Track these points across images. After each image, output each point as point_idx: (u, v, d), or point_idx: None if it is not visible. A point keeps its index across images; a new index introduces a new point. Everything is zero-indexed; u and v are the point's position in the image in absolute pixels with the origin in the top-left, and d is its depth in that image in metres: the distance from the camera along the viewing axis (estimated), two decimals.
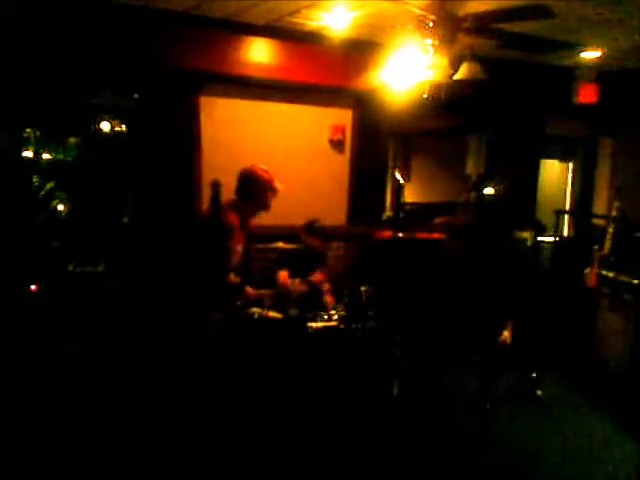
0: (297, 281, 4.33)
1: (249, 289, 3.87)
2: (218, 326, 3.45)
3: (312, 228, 4.58)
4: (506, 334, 4.17)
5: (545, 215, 6.34)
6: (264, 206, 3.71)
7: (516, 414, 4.14)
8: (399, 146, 6.38)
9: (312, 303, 4.28)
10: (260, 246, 4.80)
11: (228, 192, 3.66)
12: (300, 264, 4.48)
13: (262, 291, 3.98)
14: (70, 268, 4.42)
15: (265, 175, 3.65)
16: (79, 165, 4.76)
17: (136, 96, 4.68)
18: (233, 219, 3.50)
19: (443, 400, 4.32)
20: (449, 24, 3.52)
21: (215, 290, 3.45)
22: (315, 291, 4.42)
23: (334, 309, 4.26)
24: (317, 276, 4.49)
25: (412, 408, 4.03)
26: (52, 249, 4.42)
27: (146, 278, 4.45)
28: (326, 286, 4.55)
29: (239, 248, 3.62)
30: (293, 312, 4.10)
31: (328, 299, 4.47)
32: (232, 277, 3.66)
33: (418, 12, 3.50)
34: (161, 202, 4.69)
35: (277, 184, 3.69)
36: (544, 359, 4.77)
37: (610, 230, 5.09)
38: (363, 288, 4.42)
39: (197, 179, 4.79)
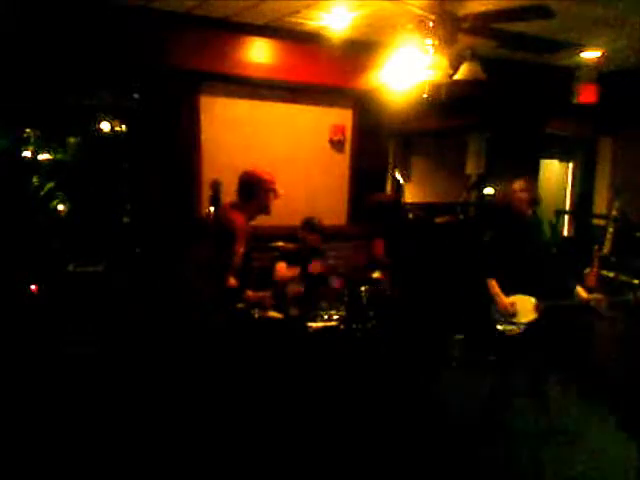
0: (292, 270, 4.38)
1: (249, 292, 3.85)
2: (220, 326, 3.44)
3: (310, 225, 4.60)
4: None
5: (545, 215, 6.34)
6: (265, 208, 3.68)
7: (519, 410, 4.12)
8: (399, 146, 6.38)
9: (312, 297, 4.28)
10: (260, 246, 4.81)
11: (228, 192, 3.66)
12: (300, 261, 4.49)
13: (261, 293, 3.96)
14: (70, 268, 4.42)
15: (267, 177, 3.64)
16: (79, 165, 4.77)
17: (136, 96, 4.68)
18: (239, 221, 3.49)
19: (444, 397, 4.32)
20: (449, 24, 3.51)
21: (216, 292, 3.44)
22: (312, 282, 4.43)
23: (334, 309, 4.27)
24: (315, 267, 4.50)
25: (412, 407, 4.03)
26: (52, 249, 4.42)
27: (146, 278, 4.45)
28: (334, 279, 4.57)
29: (240, 250, 3.61)
30: (293, 312, 4.10)
31: (337, 282, 4.49)
32: (232, 281, 3.66)
33: (418, 12, 3.49)
34: (161, 202, 4.69)
35: (278, 188, 3.68)
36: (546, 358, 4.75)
37: (610, 230, 5.08)
38: (363, 288, 4.43)
39: (197, 179, 4.79)
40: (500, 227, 4.10)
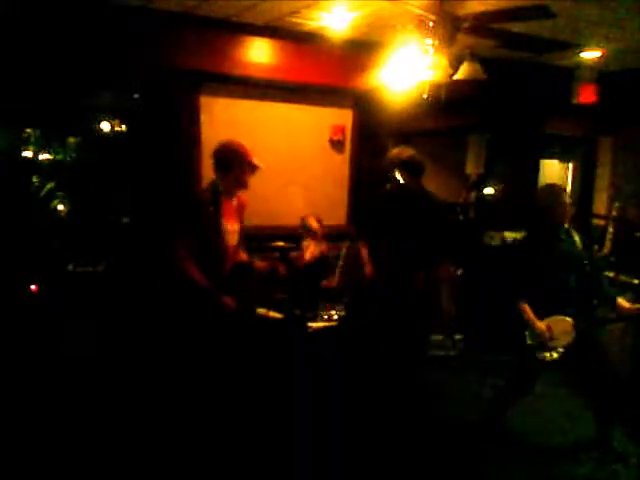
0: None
1: (259, 263, 3.80)
2: (223, 311, 3.40)
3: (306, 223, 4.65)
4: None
5: None
6: (241, 182, 3.52)
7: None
8: (399, 146, 6.38)
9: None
10: (260, 246, 4.81)
11: None
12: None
13: (272, 262, 3.89)
14: (70, 268, 4.42)
15: (241, 149, 3.48)
16: (79, 165, 4.77)
17: (136, 96, 4.68)
18: (206, 198, 3.43)
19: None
20: (449, 24, 3.52)
21: (216, 271, 3.41)
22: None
23: (334, 309, 4.27)
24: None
25: (411, 407, 4.03)
26: (52, 249, 4.42)
27: (146, 278, 4.45)
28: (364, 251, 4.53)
29: (235, 227, 3.57)
30: (294, 312, 4.09)
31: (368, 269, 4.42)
32: (242, 255, 3.65)
33: (418, 12, 3.49)
34: (161, 202, 4.69)
35: (256, 160, 3.52)
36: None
37: (610, 230, 5.09)
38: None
39: (197, 179, 4.79)
40: (539, 243, 3.61)
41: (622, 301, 3.57)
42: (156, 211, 4.66)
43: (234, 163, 3.47)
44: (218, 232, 3.42)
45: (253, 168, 3.51)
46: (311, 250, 4.38)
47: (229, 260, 3.50)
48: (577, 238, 3.61)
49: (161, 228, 4.55)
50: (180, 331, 3.59)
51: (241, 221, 3.62)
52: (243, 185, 3.53)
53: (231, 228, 3.51)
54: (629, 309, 3.54)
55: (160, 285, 4.32)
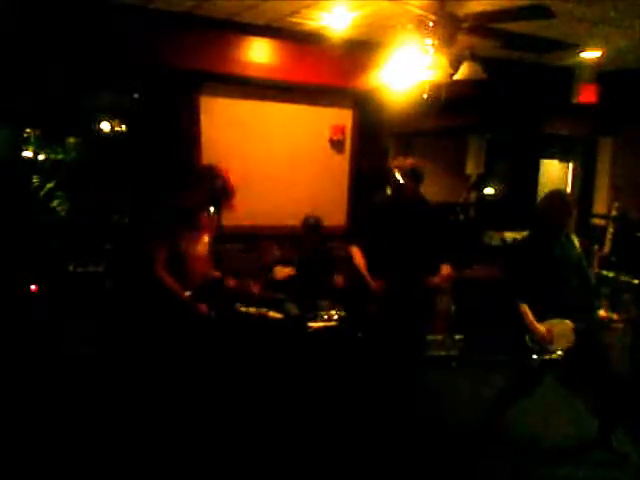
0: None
1: (230, 281, 3.85)
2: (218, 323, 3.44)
3: (311, 225, 4.63)
4: None
5: None
6: (203, 203, 3.71)
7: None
8: (399, 146, 6.39)
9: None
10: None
11: None
12: (302, 264, 4.48)
13: (244, 281, 3.95)
14: (70, 268, 4.42)
15: (231, 188, 3.73)
16: (79, 165, 4.77)
17: (136, 96, 4.68)
18: (190, 201, 3.52)
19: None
20: (449, 24, 3.51)
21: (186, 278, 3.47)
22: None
23: (333, 309, 4.26)
24: (280, 272, 4.52)
25: (411, 407, 4.03)
26: (52, 249, 4.42)
27: (145, 278, 4.45)
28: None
29: (206, 238, 3.65)
30: (293, 312, 4.10)
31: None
32: (215, 272, 3.74)
33: (418, 12, 3.49)
34: (161, 202, 4.69)
35: (234, 200, 3.77)
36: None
37: (610, 230, 5.09)
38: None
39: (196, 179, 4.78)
40: (540, 245, 3.60)
41: (602, 312, 3.69)
42: (153, 212, 4.66)
43: (222, 195, 3.73)
44: (194, 242, 3.58)
45: (229, 199, 3.76)
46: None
47: (199, 270, 3.57)
48: (576, 241, 3.63)
49: (151, 230, 4.56)
50: (167, 332, 3.63)
51: (212, 234, 3.72)
52: (203, 205, 3.75)
53: (203, 239, 3.62)
54: (603, 318, 3.65)
55: (143, 287, 4.34)
